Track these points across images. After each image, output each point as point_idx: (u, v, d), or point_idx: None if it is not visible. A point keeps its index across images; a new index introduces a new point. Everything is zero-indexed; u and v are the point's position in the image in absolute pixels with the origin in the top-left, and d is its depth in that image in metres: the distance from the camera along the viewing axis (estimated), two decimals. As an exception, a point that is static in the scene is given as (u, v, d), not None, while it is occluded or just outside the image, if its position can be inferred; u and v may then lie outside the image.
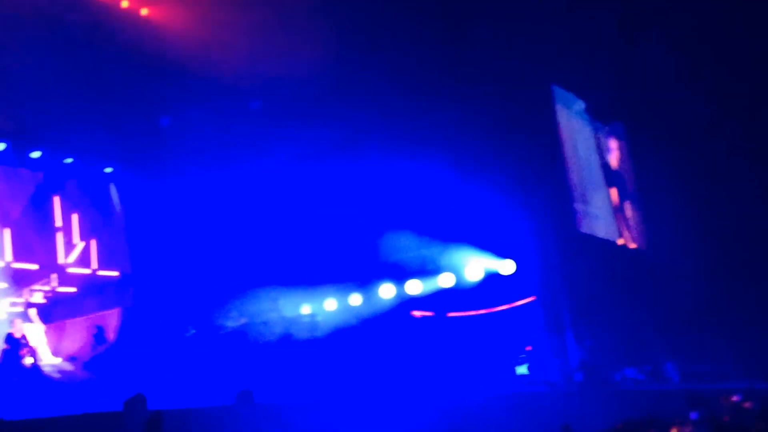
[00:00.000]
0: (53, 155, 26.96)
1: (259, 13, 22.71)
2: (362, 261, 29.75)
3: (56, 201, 27.99)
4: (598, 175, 31.69)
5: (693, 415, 13.35)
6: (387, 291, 29.98)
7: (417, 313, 30.14)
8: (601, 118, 32.63)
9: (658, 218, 31.82)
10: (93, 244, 28.74)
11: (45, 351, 24.42)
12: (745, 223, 29.48)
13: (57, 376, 22.91)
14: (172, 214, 28.54)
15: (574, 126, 30.68)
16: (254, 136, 27.25)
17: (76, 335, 25.89)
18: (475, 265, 29.09)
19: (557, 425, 14.93)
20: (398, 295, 30.06)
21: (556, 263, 28.72)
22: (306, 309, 30.30)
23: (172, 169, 28.19)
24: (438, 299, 29.78)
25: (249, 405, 17.90)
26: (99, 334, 25.36)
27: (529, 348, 28.17)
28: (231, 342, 26.87)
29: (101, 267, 28.67)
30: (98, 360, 24.36)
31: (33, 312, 24.73)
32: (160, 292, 27.75)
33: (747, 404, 15.41)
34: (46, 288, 26.66)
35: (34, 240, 26.97)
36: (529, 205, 28.13)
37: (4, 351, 21.94)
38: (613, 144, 33.41)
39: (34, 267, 26.90)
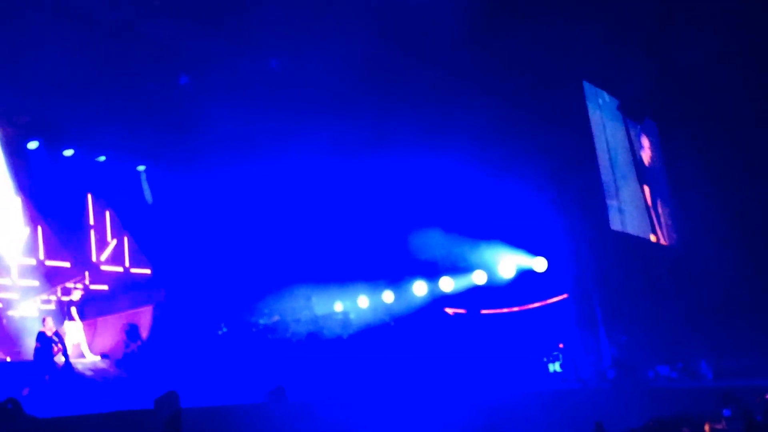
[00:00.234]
0: (86, 153, 27.05)
1: (288, 9, 22.65)
2: (395, 258, 29.73)
3: (89, 199, 28.11)
4: (630, 172, 31.52)
5: (726, 412, 13.28)
6: (420, 288, 29.95)
7: (450, 311, 30.09)
8: (634, 116, 32.47)
9: (690, 215, 31.67)
10: (125, 241, 28.86)
11: (85, 348, 24.47)
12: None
13: (89, 374, 22.94)
14: (204, 212, 28.61)
15: (606, 123, 30.53)
16: (286, 133, 27.21)
17: (109, 333, 25.93)
18: (507, 263, 29.04)
19: (590, 422, 14.83)
20: (431, 293, 30.01)
21: (588, 260, 28.63)
22: (338, 306, 30.29)
23: (204, 167, 28.23)
24: (471, 296, 29.74)
25: (281, 402, 17.85)
26: (131, 332, 25.36)
27: (561, 345, 28.06)
28: (263, 339, 26.85)
29: (133, 265, 28.81)
30: (130, 358, 24.37)
31: (74, 310, 24.77)
32: (192, 290, 27.78)
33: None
34: (79, 286, 26.73)
35: (67, 238, 27.10)
36: (561, 203, 28.07)
37: (36, 349, 21.99)
38: (645, 141, 33.27)
39: (67, 265, 27.02)
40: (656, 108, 32.23)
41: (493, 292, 29.33)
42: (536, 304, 29.01)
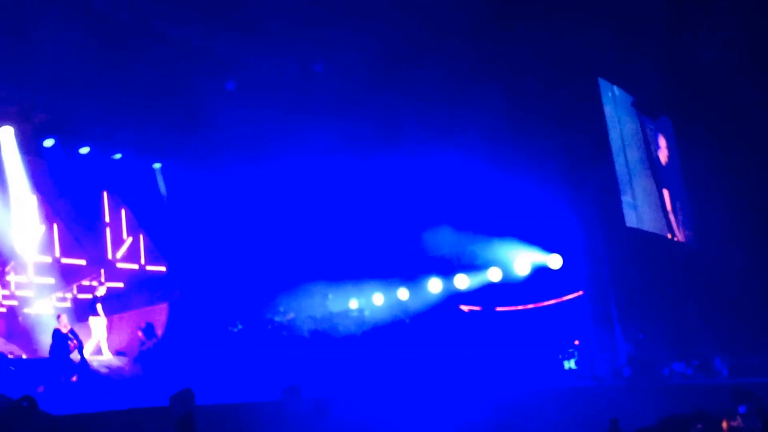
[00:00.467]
0: (102, 151, 27.10)
1: (300, 6, 22.67)
2: (410, 256, 29.74)
3: (105, 197, 28.17)
4: (645, 169, 31.46)
5: (741, 409, 13.24)
6: (435, 286, 29.96)
7: (465, 308, 30.09)
8: (649, 113, 32.40)
9: (705, 211, 31.57)
10: (141, 239, 28.92)
11: (104, 345, 24.58)
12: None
13: (105, 371, 23.04)
14: (220, 209, 28.65)
15: (621, 120, 30.47)
16: (300, 131, 27.22)
17: (124, 330, 26.03)
18: (522, 260, 29.01)
19: (605, 420, 14.84)
20: (446, 290, 30.01)
21: (603, 257, 28.55)
22: (353, 304, 30.31)
23: (218, 165, 28.27)
24: (486, 294, 29.70)
25: (296, 400, 17.89)
26: (147, 330, 25.45)
27: (577, 342, 28.03)
28: (278, 337, 26.90)
29: (149, 262, 28.87)
30: (146, 355, 24.46)
31: (99, 307, 24.86)
32: (208, 287, 27.85)
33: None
34: (94, 283, 26.83)
35: (83, 235, 27.18)
36: (576, 199, 27.99)
37: (52, 346, 22.08)
38: (660, 138, 33.21)
39: (82, 262, 27.09)
40: (671, 104, 32.14)
41: (508, 290, 29.29)
42: (551, 302, 28.97)
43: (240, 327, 26.24)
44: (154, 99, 24.37)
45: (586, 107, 28.49)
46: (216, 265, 28.27)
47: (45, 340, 22.74)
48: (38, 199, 26.12)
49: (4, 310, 25.10)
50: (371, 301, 30.37)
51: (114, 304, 26.33)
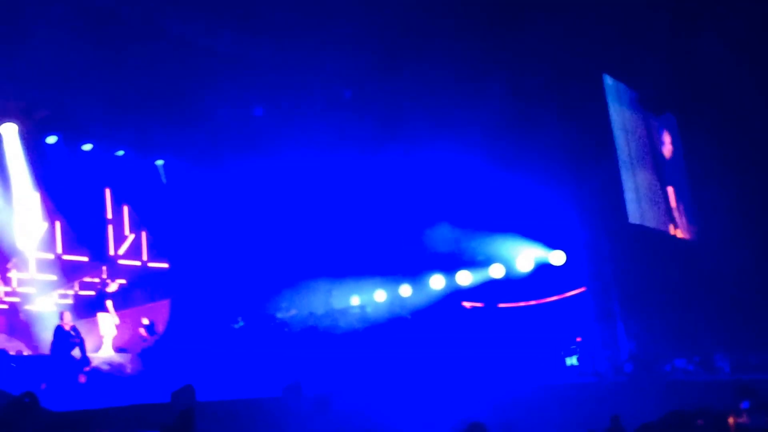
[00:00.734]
0: (104, 148, 27.12)
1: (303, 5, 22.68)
2: (413, 252, 29.72)
3: (107, 193, 28.18)
4: (649, 165, 31.47)
5: (744, 404, 13.25)
6: (437, 282, 29.96)
7: (467, 304, 30.08)
8: (653, 109, 32.40)
9: (708, 208, 31.54)
10: (143, 235, 28.93)
11: (108, 342, 24.58)
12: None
13: (106, 368, 23.04)
14: (222, 206, 28.66)
15: (625, 116, 30.48)
16: (302, 128, 27.21)
17: (126, 327, 26.03)
18: (525, 256, 29.01)
19: (607, 416, 14.86)
20: (448, 286, 30.00)
21: (606, 254, 28.59)
22: (355, 300, 30.32)
23: (221, 161, 28.27)
24: (488, 290, 29.71)
25: (297, 397, 17.89)
26: (149, 326, 25.49)
27: (579, 339, 28.04)
28: (280, 333, 26.91)
29: (151, 259, 28.87)
30: (147, 352, 24.47)
31: (110, 303, 24.87)
32: (209, 284, 27.88)
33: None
34: (96, 280, 26.84)
35: (85, 232, 27.16)
36: (579, 196, 28.00)
37: (53, 343, 22.09)
38: (664, 135, 33.20)
39: (84, 259, 27.09)
40: (675, 101, 32.12)
41: (511, 286, 29.30)
42: (554, 298, 28.98)
43: (241, 323, 26.26)
44: (156, 96, 24.36)
45: (590, 103, 28.54)
46: (218, 262, 28.29)
47: (47, 337, 22.75)
48: (41, 195, 26.10)
49: (5, 306, 25.07)
50: (373, 298, 30.37)
51: (116, 300, 26.31)
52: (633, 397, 21.08)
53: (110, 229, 28.22)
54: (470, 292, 29.97)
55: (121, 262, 28.19)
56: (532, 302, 29.28)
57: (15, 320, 24.97)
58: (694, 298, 28.74)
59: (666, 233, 31.28)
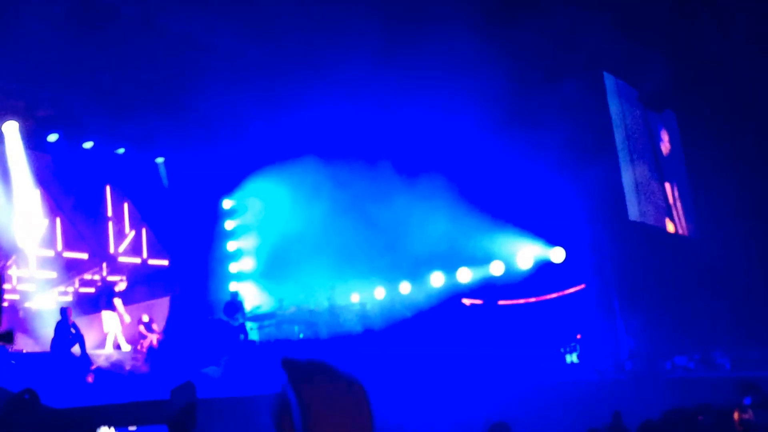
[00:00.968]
0: (105, 146, 27.15)
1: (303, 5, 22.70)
2: (412, 250, 29.68)
3: (107, 191, 28.21)
4: (649, 162, 31.50)
5: (746, 400, 13.25)
6: (437, 279, 29.94)
7: (467, 301, 30.06)
8: (653, 107, 32.41)
9: (708, 205, 31.58)
10: (144, 233, 28.95)
11: (110, 341, 24.57)
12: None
13: (106, 364, 23.05)
14: (221, 204, 28.66)
15: (625, 114, 30.50)
16: (303, 126, 27.19)
17: (126, 324, 26.04)
18: (525, 253, 29.00)
19: (607, 413, 14.86)
20: (448, 284, 29.98)
21: (606, 251, 28.58)
22: (355, 297, 30.31)
23: (221, 159, 28.28)
24: (488, 287, 29.68)
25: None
26: (148, 323, 25.52)
27: (579, 336, 28.03)
28: (279, 330, 26.92)
29: (151, 256, 28.89)
30: (147, 349, 24.49)
31: (119, 301, 24.84)
32: (209, 281, 27.90)
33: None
34: (96, 277, 26.87)
35: (85, 229, 27.20)
36: (579, 193, 27.97)
37: (53, 340, 22.11)
38: (664, 132, 33.23)
39: (85, 256, 27.11)
40: (676, 98, 32.15)
41: (511, 283, 29.28)
42: (554, 295, 28.97)
43: (241, 320, 26.26)
44: (157, 94, 24.40)
45: (590, 101, 28.53)
46: (218, 259, 28.32)
47: (47, 334, 22.77)
48: (41, 193, 26.14)
49: (6, 304, 25.06)
50: (373, 295, 30.36)
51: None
52: (634, 395, 21.12)
53: (111, 226, 28.26)
54: (470, 290, 29.93)
55: (122, 259, 28.22)
56: (532, 299, 29.27)
57: (14, 317, 24.98)
58: (694, 294, 28.72)
59: (666, 230, 31.31)
